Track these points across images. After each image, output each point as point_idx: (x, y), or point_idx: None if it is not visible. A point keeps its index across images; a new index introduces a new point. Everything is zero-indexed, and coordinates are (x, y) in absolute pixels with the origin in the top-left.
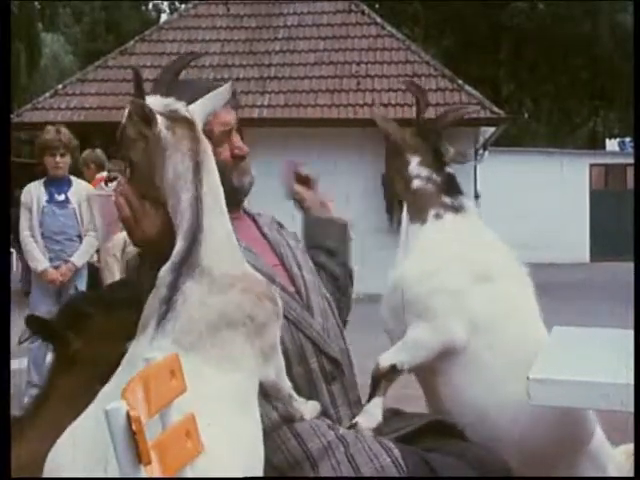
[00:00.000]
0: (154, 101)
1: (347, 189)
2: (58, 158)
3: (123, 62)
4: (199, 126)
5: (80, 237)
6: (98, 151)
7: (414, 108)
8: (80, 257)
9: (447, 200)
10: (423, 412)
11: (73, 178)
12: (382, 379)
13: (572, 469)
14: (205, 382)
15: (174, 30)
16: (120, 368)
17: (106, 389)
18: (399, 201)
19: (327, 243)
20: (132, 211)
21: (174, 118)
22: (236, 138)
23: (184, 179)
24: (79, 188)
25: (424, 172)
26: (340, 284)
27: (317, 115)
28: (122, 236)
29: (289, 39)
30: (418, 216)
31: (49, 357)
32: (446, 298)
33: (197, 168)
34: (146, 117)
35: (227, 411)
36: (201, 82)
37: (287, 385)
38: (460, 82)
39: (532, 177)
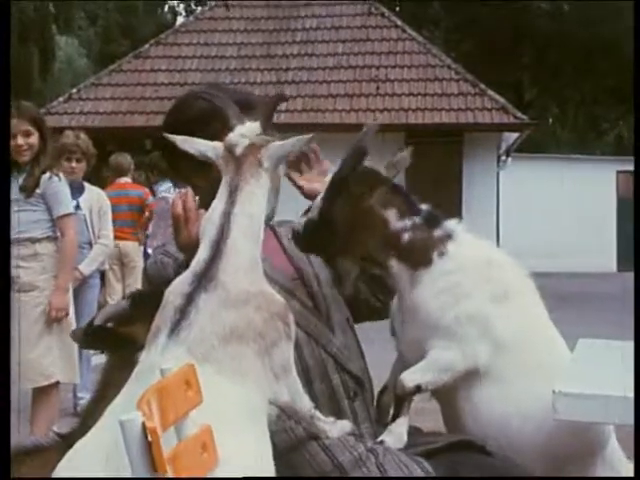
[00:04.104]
0: (237, 131)
1: None
2: (74, 163)
3: (138, 66)
4: (261, 163)
5: (90, 245)
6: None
7: (435, 113)
8: (88, 265)
9: (439, 233)
10: (441, 431)
11: (87, 184)
12: (406, 399)
13: (589, 472)
14: (217, 393)
15: (190, 33)
16: (131, 379)
17: (117, 401)
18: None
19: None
20: (185, 212)
21: (229, 151)
22: None
23: (221, 199)
24: (92, 195)
25: (408, 222)
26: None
27: (335, 120)
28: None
29: (307, 42)
30: (420, 262)
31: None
32: (474, 324)
33: (233, 192)
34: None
35: (237, 422)
36: (234, 92)
37: (307, 406)
38: (482, 86)
39: (557, 185)
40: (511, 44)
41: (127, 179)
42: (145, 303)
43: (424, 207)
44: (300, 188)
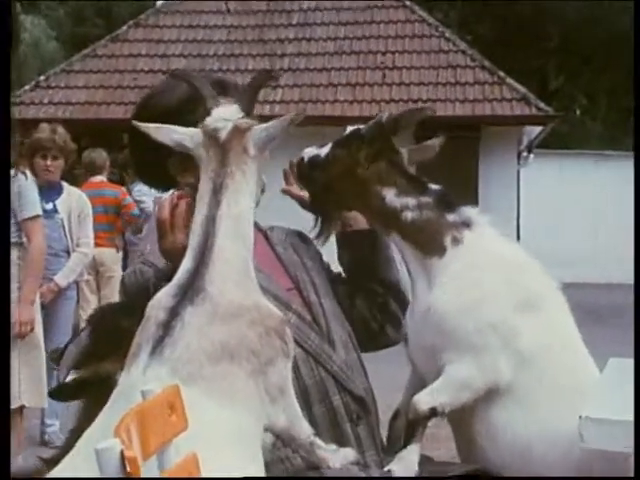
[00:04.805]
0: (215, 114)
1: None
2: (50, 161)
3: (114, 50)
4: (246, 149)
5: (68, 253)
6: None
7: (448, 104)
8: (65, 276)
9: (453, 218)
10: (453, 460)
11: (65, 185)
12: (420, 423)
13: None
14: (205, 417)
15: (173, 14)
16: (109, 403)
17: (93, 427)
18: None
19: (354, 259)
20: (172, 217)
21: (212, 137)
22: None
23: (202, 199)
24: (71, 197)
25: (410, 201)
26: (377, 300)
27: (337, 112)
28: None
29: (305, 25)
30: (431, 248)
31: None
32: (494, 333)
33: (216, 190)
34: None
35: (227, 450)
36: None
37: (306, 432)
38: (501, 74)
39: (585, 185)
40: (535, 26)
41: (102, 178)
42: (108, 327)
43: (434, 187)
44: (301, 199)
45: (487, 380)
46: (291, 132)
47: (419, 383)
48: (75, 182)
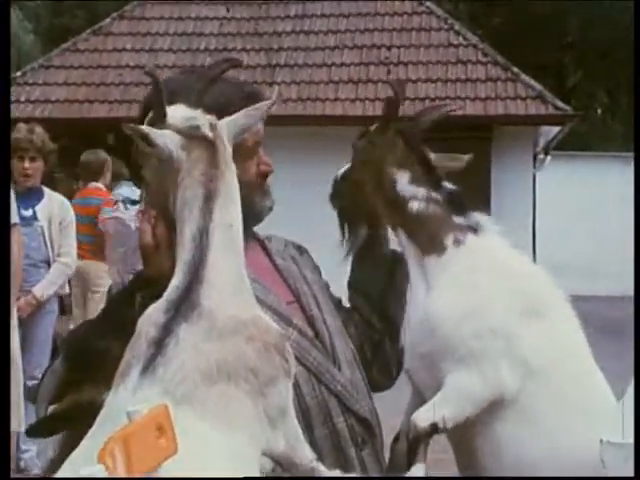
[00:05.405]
0: (175, 113)
1: None
2: (27, 163)
3: (97, 44)
4: (226, 147)
5: (48, 263)
6: None
7: (458, 102)
8: (44, 288)
9: (460, 220)
10: None
11: (46, 190)
12: (421, 442)
13: None
14: (198, 441)
15: (161, 5)
16: (95, 426)
17: (77, 452)
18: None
19: (365, 286)
20: (155, 240)
21: (193, 136)
22: (261, 151)
23: (190, 208)
24: (52, 203)
25: (420, 191)
26: (373, 336)
27: (338, 112)
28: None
29: (303, 17)
30: (431, 245)
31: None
32: (495, 340)
33: (209, 196)
34: (146, 140)
35: (222, 477)
36: (237, 85)
37: (307, 457)
38: (515, 70)
39: (606, 189)
40: (550, 18)
41: (97, 184)
42: (83, 350)
43: (448, 186)
44: None
45: (491, 390)
46: (291, 133)
47: (420, 402)
48: (54, 186)
